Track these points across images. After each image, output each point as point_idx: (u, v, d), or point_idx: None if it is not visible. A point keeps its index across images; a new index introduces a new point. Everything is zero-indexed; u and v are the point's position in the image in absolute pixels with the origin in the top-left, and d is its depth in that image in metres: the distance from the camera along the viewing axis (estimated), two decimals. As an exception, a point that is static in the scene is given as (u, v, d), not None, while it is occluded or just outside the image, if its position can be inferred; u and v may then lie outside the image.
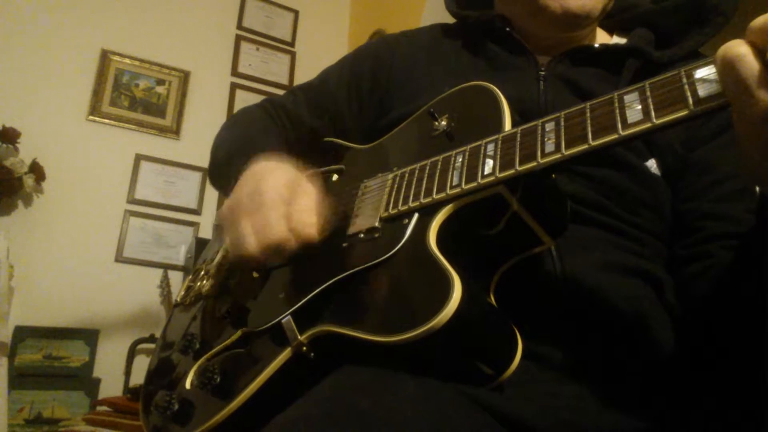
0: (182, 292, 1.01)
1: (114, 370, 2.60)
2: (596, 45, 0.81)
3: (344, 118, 0.93)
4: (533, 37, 0.83)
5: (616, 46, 0.80)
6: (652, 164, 0.74)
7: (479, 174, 0.55)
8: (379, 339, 0.52)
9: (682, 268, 0.73)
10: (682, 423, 0.62)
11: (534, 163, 0.51)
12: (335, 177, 0.83)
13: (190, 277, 1.02)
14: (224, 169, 0.85)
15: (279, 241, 0.63)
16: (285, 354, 0.63)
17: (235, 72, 3.29)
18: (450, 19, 0.96)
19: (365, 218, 0.65)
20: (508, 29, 0.83)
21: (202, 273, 0.97)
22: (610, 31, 0.90)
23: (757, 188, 0.57)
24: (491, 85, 0.64)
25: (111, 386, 2.56)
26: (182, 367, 0.80)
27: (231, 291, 0.84)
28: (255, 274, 0.80)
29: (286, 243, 0.64)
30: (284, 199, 0.66)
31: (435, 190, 0.59)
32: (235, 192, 0.71)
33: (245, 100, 3.12)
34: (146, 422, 0.80)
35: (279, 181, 0.67)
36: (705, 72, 0.43)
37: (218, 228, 0.71)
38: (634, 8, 0.86)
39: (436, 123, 0.68)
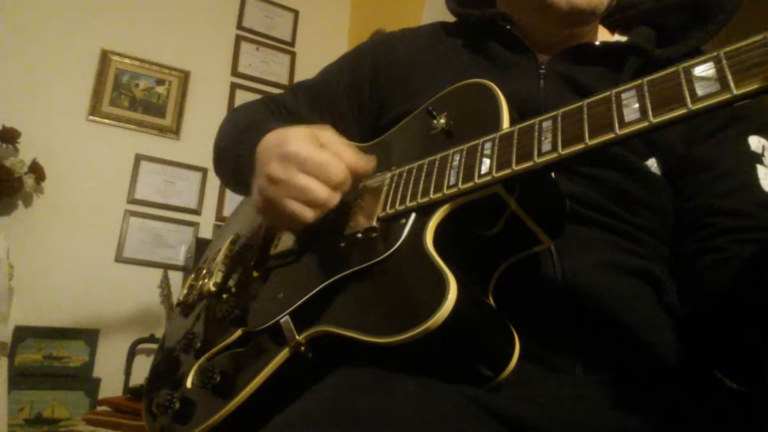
0: (184, 291, 1.01)
1: (114, 370, 2.59)
2: (597, 43, 0.80)
3: (345, 116, 0.93)
4: (535, 34, 0.82)
5: (617, 44, 0.80)
6: (652, 163, 0.74)
7: (476, 173, 0.55)
8: (376, 340, 0.52)
9: (690, 264, 0.72)
10: (683, 423, 0.62)
11: (530, 163, 0.51)
12: None
13: (192, 276, 1.02)
14: (232, 154, 0.83)
15: (345, 176, 0.63)
16: (283, 354, 0.63)
17: (235, 72, 3.29)
18: (450, 19, 0.96)
19: (363, 218, 0.65)
20: (509, 27, 0.83)
21: (204, 272, 0.97)
22: (612, 30, 0.89)
23: None
24: (490, 83, 0.64)
25: (111, 386, 2.55)
26: (184, 366, 0.80)
27: (232, 290, 0.85)
28: (256, 274, 0.80)
29: (348, 179, 0.64)
30: (317, 145, 0.65)
31: (432, 189, 0.59)
32: (259, 167, 0.68)
33: (245, 100, 3.08)
34: (149, 421, 0.80)
35: (298, 135, 0.66)
36: (704, 69, 0.43)
37: (262, 206, 0.68)
38: (635, 6, 0.86)
39: (435, 121, 0.68)
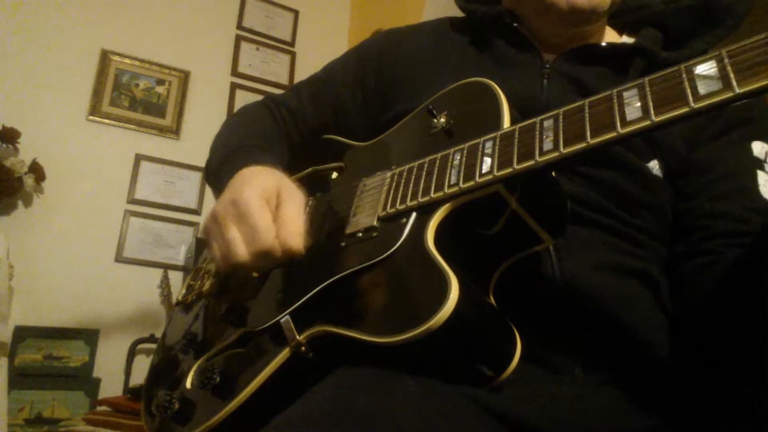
0: (183, 291, 1.01)
1: (114, 370, 2.59)
2: (603, 44, 0.80)
3: (348, 112, 0.93)
4: (541, 33, 0.82)
5: (622, 46, 0.80)
6: (654, 165, 0.74)
7: (477, 172, 0.55)
8: (377, 340, 0.52)
9: (681, 265, 0.72)
10: (682, 423, 0.62)
11: (532, 162, 0.51)
12: (335, 174, 0.82)
13: (191, 275, 1.02)
14: (215, 176, 0.85)
15: (269, 247, 0.63)
16: (284, 354, 0.63)
17: (235, 72, 3.29)
18: (453, 16, 0.96)
19: (363, 217, 0.65)
20: (515, 24, 0.83)
21: (203, 272, 0.97)
22: (620, 31, 0.89)
23: None
24: (490, 82, 0.64)
25: (111, 386, 2.55)
26: (183, 366, 0.80)
27: (231, 290, 0.84)
28: (255, 274, 0.80)
29: (275, 251, 0.63)
30: (269, 205, 0.65)
31: (433, 188, 0.59)
32: (218, 201, 0.70)
33: (245, 100, 3.12)
34: (148, 422, 0.80)
35: (262, 186, 0.67)
36: (706, 68, 0.43)
37: (205, 236, 0.71)
38: (644, 8, 0.86)
39: (435, 120, 0.67)
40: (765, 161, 0.73)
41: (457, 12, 0.94)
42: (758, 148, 0.74)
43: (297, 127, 0.97)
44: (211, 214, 0.68)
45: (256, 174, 0.70)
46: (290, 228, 0.64)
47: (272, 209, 0.65)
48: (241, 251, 0.64)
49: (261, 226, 0.63)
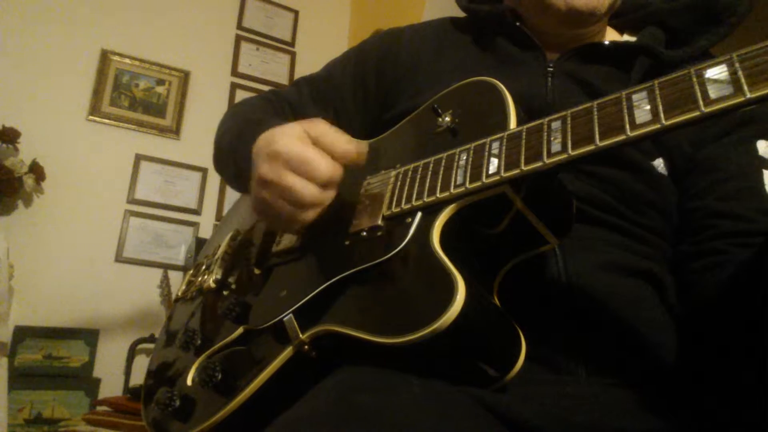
0: (183, 287, 1.01)
1: (114, 370, 2.59)
2: (606, 42, 0.80)
3: (348, 111, 0.93)
4: (543, 33, 0.82)
5: (626, 44, 0.79)
6: (659, 164, 0.74)
7: (484, 173, 0.55)
8: (382, 340, 0.52)
9: (688, 264, 0.72)
10: (686, 425, 0.62)
11: (540, 163, 0.50)
12: None
13: (191, 271, 1.02)
14: (230, 154, 0.83)
15: (332, 173, 0.63)
16: (287, 353, 0.62)
17: (235, 72, 3.29)
18: (454, 16, 0.96)
19: (368, 216, 0.65)
20: (518, 24, 0.83)
21: (204, 268, 0.96)
22: (621, 30, 0.89)
23: None
24: (496, 81, 0.64)
25: (111, 386, 2.55)
26: (183, 363, 0.79)
27: (233, 287, 0.84)
28: (257, 271, 0.80)
29: (337, 172, 0.63)
30: (305, 142, 0.65)
31: (438, 188, 0.58)
32: (256, 166, 0.68)
33: (245, 100, 3.11)
34: (148, 419, 0.79)
35: (289, 132, 0.66)
36: (716, 72, 0.42)
37: (257, 205, 0.69)
38: (645, 7, 0.85)
39: (440, 119, 0.67)
40: None
41: (457, 12, 0.93)
42: (763, 146, 0.74)
43: (297, 120, 0.97)
44: (258, 180, 0.66)
45: (276, 131, 0.68)
46: (339, 142, 0.65)
47: (310, 141, 0.65)
48: (308, 189, 0.62)
49: (314, 156, 0.63)
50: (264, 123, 0.76)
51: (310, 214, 0.65)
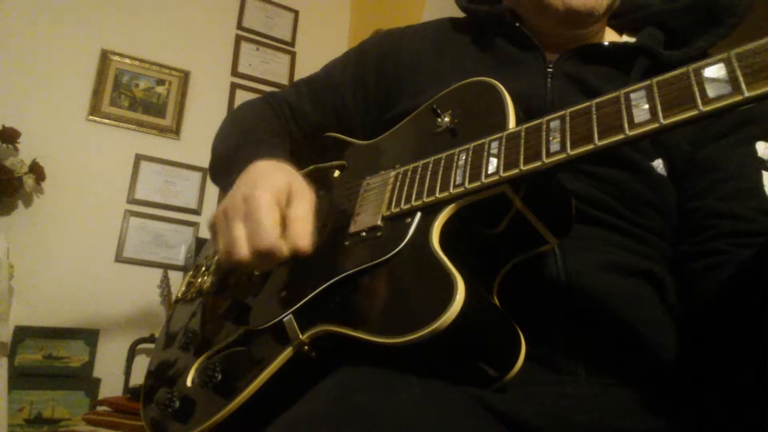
0: (183, 288, 1.01)
1: (114, 370, 2.59)
2: (606, 43, 0.80)
3: (349, 112, 0.93)
4: (542, 33, 0.82)
5: (625, 45, 0.80)
6: (658, 164, 0.74)
7: (483, 173, 0.55)
8: (382, 340, 0.52)
9: (688, 265, 0.72)
10: (685, 423, 0.62)
11: (539, 163, 0.51)
12: (337, 173, 0.82)
13: (191, 272, 1.02)
14: (224, 169, 0.84)
15: (270, 248, 0.61)
16: (286, 353, 0.62)
17: (235, 72, 3.29)
18: (453, 16, 0.96)
19: (367, 216, 0.65)
20: (517, 24, 0.83)
21: (203, 269, 0.96)
22: (620, 31, 0.89)
23: None
24: (495, 82, 0.64)
25: (111, 386, 2.55)
26: (183, 363, 0.79)
27: (232, 288, 0.84)
28: (256, 272, 0.80)
29: (278, 251, 0.62)
30: (280, 204, 0.64)
31: (438, 188, 0.58)
32: (229, 195, 0.69)
33: (245, 100, 3.09)
34: (147, 419, 0.79)
35: (275, 185, 0.65)
36: (714, 71, 0.42)
37: (211, 229, 0.70)
38: (644, 8, 0.86)
39: (440, 119, 0.67)
40: None
41: (457, 12, 0.93)
42: (762, 148, 0.74)
43: (297, 123, 0.97)
44: (221, 208, 0.67)
45: (269, 171, 0.69)
46: (299, 229, 0.63)
47: (282, 209, 0.64)
48: (243, 249, 0.62)
49: (266, 225, 0.62)
50: (260, 146, 0.77)
51: (232, 265, 0.65)
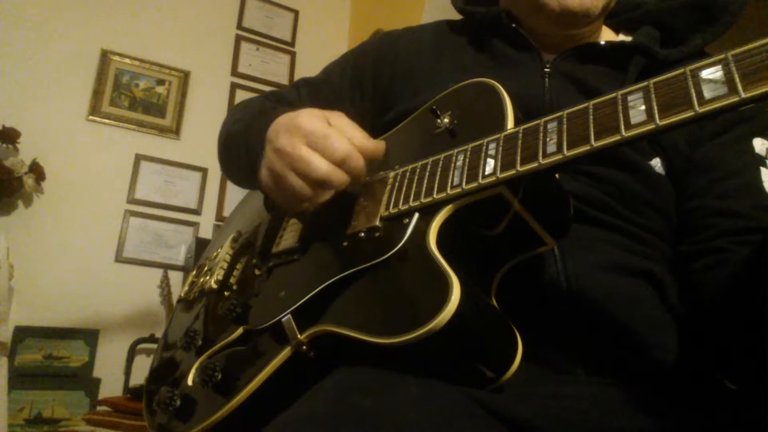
0: (185, 288, 1.01)
1: (114, 370, 2.59)
2: (602, 42, 0.80)
3: (347, 112, 0.93)
4: (539, 33, 0.82)
5: (621, 44, 0.80)
6: (656, 163, 0.74)
7: (480, 174, 0.55)
8: (379, 340, 0.52)
9: (689, 264, 0.72)
10: (685, 423, 0.62)
11: (535, 164, 0.51)
12: None
13: (194, 272, 1.02)
14: (241, 139, 0.82)
15: (347, 152, 0.63)
16: (285, 353, 0.63)
17: (235, 72, 3.30)
18: (452, 17, 0.96)
19: (366, 217, 0.65)
20: (514, 25, 0.83)
21: (206, 269, 0.97)
22: (617, 30, 0.89)
23: None
24: (494, 82, 0.64)
25: (111, 386, 2.56)
26: (184, 363, 0.80)
27: (233, 288, 0.85)
28: (257, 272, 0.80)
29: (354, 154, 0.64)
30: (326, 122, 0.66)
31: (436, 189, 0.59)
32: (275, 139, 0.68)
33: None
34: (149, 418, 0.80)
35: (310, 113, 0.67)
36: (711, 72, 0.43)
37: (269, 178, 0.69)
38: (640, 7, 0.86)
39: (439, 120, 0.67)
40: (766, 158, 0.74)
41: (456, 13, 0.94)
42: (759, 144, 0.74)
43: None
44: (273, 150, 0.66)
45: (297, 112, 0.69)
46: (358, 134, 0.66)
47: (328, 124, 0.66)
48: (323, 163, 0.63)
49: (330, 133, 0.63)
50: (278, 109, 0.76)
51: (319, 194, 0.65)
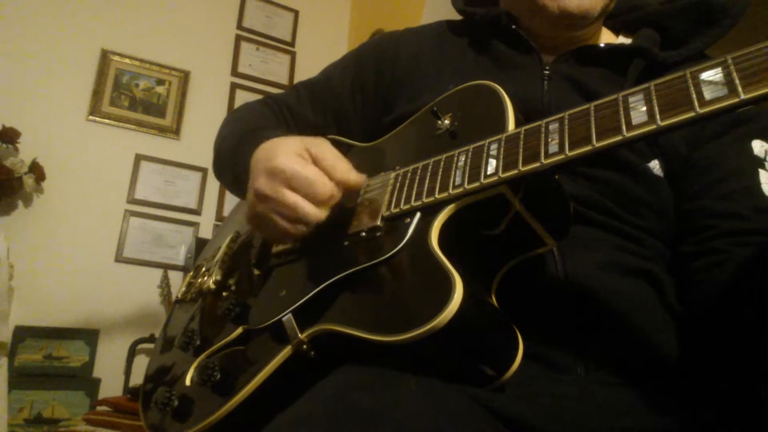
0: (183, 289, 1.01)
1: (114, 370, 2.59)
2: (602, 45, 0.80)
3: (348, 115, 0.93)
4: (538, 35, 0.82)
5: (621, 46, 0.80)
6: (655, 165, 0.74)
7: (482, 174, 0.55)
8: (380, 339, 0.52)
9: (688, 264, 0.72)
10: (685, 423, 0.62)
11: (537, 164, 0.51)
12: None
13: (191, 273, 1.02)
14: (229, 161, 0.84)
15: (331, 192, 0.64)
16: (285, 352, 0.63)
17: (235, 72, 3.29)
18: (452, 18, 0.96)
19: (367, 217, 0.65)
20: (514, 27, 0.83)
21: (204, 269, 0.97)
22: (616, 32, 0.89)
23: None
24: (495, 85, 0.64)
25: (111, 386, 2.55)
26: (182, 363, 0.80)
27: (232, 288, 0.85)
28: (256, 272, 0.80)
29: (336, 192, 0.65)
30: (306, 160, 0.66)
31: (437, 189, 0.59)
32: (253, 179, 0.69)
33: (245, 100, 3.07)
34: (146, 418, 0.80)
35: (291, 148, 0.67)
36: (711, 74, 0.43)
37: (253, 220, 0.71)
38: (640, 9, 0.86)
39: (440, 122, 0.68)
40: (765, 160, 0.74)
41: (456, 13, 0.94)
42: (758, 146, 0.74)
43: (297, 124, 0.97)
44: (254, 194, 0.67)
45: (276, 143, 0.70)
46: (339, 167, 0.66)
47: (310, 161, 0.67)
48: (310, 208, 0.64)
49: (315, 177, 0.64)
50: (265, 131, 0.77)
51: (304, 230, 0.67)
